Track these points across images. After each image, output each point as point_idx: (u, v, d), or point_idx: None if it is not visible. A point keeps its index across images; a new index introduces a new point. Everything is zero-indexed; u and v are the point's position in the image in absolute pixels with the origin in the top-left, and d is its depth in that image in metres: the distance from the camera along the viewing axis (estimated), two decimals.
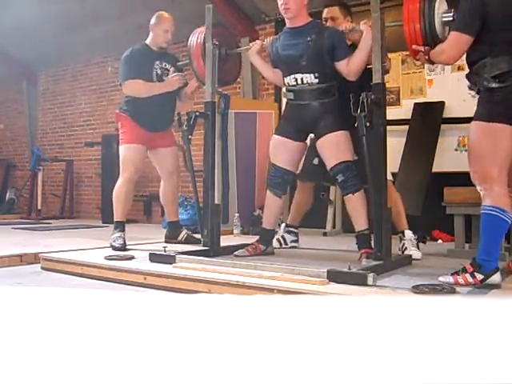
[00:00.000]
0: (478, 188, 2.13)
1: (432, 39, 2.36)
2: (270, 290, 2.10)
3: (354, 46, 2.91)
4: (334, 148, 2.78)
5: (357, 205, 2.76)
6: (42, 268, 3.06)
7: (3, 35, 7.14)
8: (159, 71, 3.57)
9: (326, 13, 3.11)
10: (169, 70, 3.62)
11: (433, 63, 2.51)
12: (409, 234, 3.08)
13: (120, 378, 0.38)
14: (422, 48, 2.35)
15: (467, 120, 2.23)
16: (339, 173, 2.75)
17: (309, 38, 2.78)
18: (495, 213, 2.02)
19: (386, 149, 2.51)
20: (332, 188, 4.92)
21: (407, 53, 4.24)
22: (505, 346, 0.42)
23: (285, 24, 2.94)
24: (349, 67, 2.74)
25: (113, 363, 0.40)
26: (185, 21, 5.56)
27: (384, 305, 0.59)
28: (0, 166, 8.71)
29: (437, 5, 2.37)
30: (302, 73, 2.81)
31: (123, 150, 3.57)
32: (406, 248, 3.02)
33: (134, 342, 0.45)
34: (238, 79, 4.24)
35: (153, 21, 3.61)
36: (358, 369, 0.39)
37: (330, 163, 2.80)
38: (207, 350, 0.43)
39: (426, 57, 2.35)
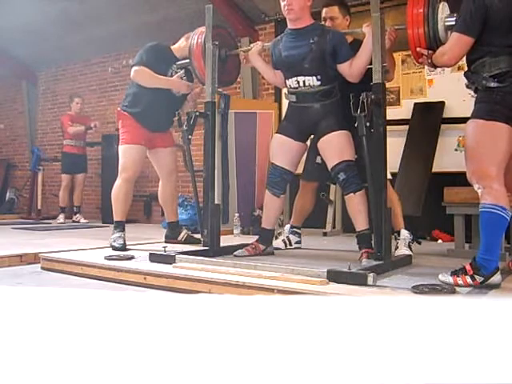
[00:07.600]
0: (476, 187, 2.12)
1: (435, 43, 2.37)
2: (270, 290, 2.10)
3: (355, 43, 2.91)
4: (336, 147, 2.78)
5: (358, 204, 2.75)
6: (42, 268, 3.06)
7: (3, 35, 7.14)
8: (174, 74, 3.52)
9: (325, 13, 3.11)
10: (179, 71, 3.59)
11: (435, 67, 2.50)
12: (404, 233, 3.07)
13: (120, 378, 0.38)
14: (425, 51, 2.35)
15: (467, 120, 2.23)
16: (340, 172, 2.74)
17: (311, 41, 2.77)
18: (496, 210, 2.02)
19: (386, 149, 2.51)
20: (332, 188, 4.92)
21: (407, 53, 4.26)
22: (505, 346, 0.42)
23: (285, 24, 2.93)
24: (351, 69, 2.74)
25: (113, 363, 0.40)
26: (185, 21, 5.58)
27: (384, 305, 0.59)
28: (0, 165, 8.71)
29: (440, 9, 2.37)
30: (305, 75, 2.80)
31: (124, 150, 3.50)
32: (397, 247, 3.00)
33: (134, 342, 0.45)
34: (238, 79, 4.24)
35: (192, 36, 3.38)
36: (359, 369, 0.39)
37: (331, 162, 2.80)
38: (207, 350, 0.43)
39: (429, 60, 2.35)
